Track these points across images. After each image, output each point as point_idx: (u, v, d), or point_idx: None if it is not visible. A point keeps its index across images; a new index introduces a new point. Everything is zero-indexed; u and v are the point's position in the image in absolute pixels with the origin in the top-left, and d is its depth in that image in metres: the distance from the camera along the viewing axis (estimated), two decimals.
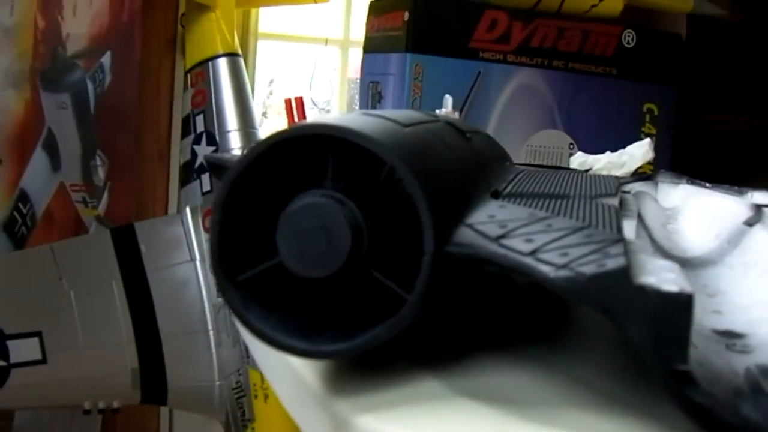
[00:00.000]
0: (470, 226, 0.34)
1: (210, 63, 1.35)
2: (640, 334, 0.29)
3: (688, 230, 0.61)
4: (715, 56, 1.42)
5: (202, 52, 1.36)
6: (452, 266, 0.34)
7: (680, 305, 0.28)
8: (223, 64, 1.35)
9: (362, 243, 0.34)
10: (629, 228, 0.43)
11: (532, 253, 0.32)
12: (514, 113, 1.26)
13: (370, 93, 1.27)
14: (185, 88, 1.40)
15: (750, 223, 0.56)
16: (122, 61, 1.43)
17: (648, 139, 0.87)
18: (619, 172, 0.82)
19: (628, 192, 0.59)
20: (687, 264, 0.53)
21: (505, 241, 0.33)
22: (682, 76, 1.36)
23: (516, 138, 1.26)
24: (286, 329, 0.35)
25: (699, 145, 1.39)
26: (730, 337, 0.39)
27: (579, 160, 0.85)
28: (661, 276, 0.30)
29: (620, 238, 0.32)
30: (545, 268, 0.31)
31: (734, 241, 0.55)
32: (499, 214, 0.36)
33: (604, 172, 0.82)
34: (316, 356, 0.34)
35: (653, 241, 0.53)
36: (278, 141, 0.35)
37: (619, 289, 0.29)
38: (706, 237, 0.57)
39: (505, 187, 0.45)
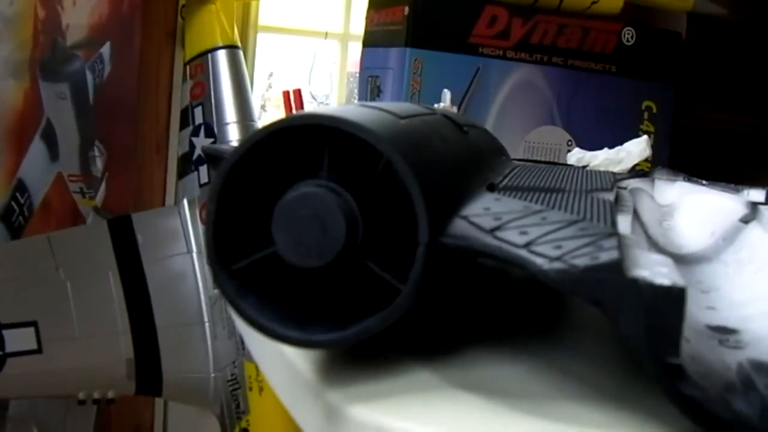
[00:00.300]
0: (465, 218, 0.34)
1: (209, 55, 1.35)
2: (632, 326, 0.29)
3: (683, 227, 0.61)
4: (714, 55, 1.42)
5: (201, 44, 1.36)
6: (447, 258, 0.34)
7: (672, 298, 0.29)
8: (222, 56, 1.35)
9: (357, 233, 0.34)
10: (624, 223, 0.43)
11: (527, 245, 0.32)
12: (513, 109, 1.26)
13: (369, 87, 1.27)
14: (184, 79, 1.39)
15: (745, 220, 0.56)
16: (122, 52, 1.44)
17: (645, 137, 0.87)
18: (616, 169, 0.83)
19: (624, 188, 0.59)
20: (682, 260, 0.54)
21: (499, 233, 0.33)
22: (682, 75, 1.36)
23: (514, 134, 1.26)
24: (281, 319, 0.35)
25: (697, 143, 1.39)
26: (724, 333, 0.39)
27: (576, 156, 0.85)
28: (654, 270, 0.30)
29: (614, 232, 0.32)
30: (539, 261, 0.31)
31: (729, 238, 0.55)
32: (494, 206, 0.36)
33: (602, 169, 0.82)
34: (309, 346, 0.34)
35: (648, 237, 0.53)
36: (274, 131, 0.35)
37: (611, 282, 0.29)
38: (702, 234, 0.58)
39: (501, 181, 0.45)
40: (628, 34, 1.32)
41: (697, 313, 0.41)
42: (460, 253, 0.34)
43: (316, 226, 0.34)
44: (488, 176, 0.44)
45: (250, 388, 1.32)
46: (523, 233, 0.33)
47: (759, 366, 0.31)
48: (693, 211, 0.64)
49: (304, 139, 0.35)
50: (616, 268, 0.29)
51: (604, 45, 1.31)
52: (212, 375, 1.30)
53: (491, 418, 0.32)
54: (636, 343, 0.29)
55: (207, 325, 1.31)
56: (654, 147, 1.33)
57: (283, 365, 0.39)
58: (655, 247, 0.52)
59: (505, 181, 0.45)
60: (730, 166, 1.35)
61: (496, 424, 0.31)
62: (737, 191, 0.64)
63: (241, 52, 1.39)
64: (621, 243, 0.32)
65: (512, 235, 0.33)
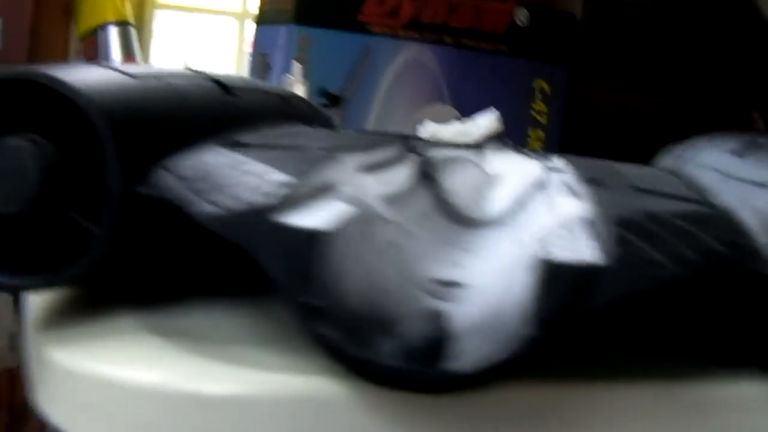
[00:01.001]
0: (166, 168, 0.36)
1: (99, 31, 1.35)
2: (275, 269, 0.30)
3: (496, 194, 0.63)
4: (609, 36, 1.44)
5: (92, 20, 1.36)
6: (153, 207, 0.35)
7: (311, 242, 0.30)
8: (113, 32, 1.35)
9: (56, 183, 0.35)
10: (387, 180, 0.43)
11: (201, 191, 0.33)
12: (403, 88, 1.27)
13: (260, 65, 1.27)
14: (77, 56, 1.39)
15: (539, 186, 0.58)
16: (13, 28, 1.43)
17: (496, 111, 0.88)
18: (464, 141, 0.84)
19: (430, 155, 0.60)
20: (475, 224, 0.55)
21: (189, 183, 0.34)
22: (575, 55, 1.37)
23: (404, 112, 1.27)
24: None
25: (590, 122, 1.42)
26: (447, 286, 0.40)
27: (429, 129, 0.86)
28: (313, 215, 0.31)
29: (287, 182, 0.33)
30: (203, 206, 0.32)
31: (521, 202, 0.57)
32: (207, 159, 0.37)
33: (451, 141, 0.83)
34: (11, 289, 0.36)
35: (441, 200, 0.54)
36: None
37: (257, 226, 0.30)
38: (505, 199, 0.59)
39: (249, 140, 0.45)
40: (521, 14, 1.33)
41: (434, 268, 0.42)
42: (163, 201, 0.35)
43: (13, 175, 0.35)
44: (239, 136, 0.45)
45: None
46: (207, 182, 0.34)
47: (430, 314, 0.33)
48: (508, 179, 0.65)
49: (22, 94, 0.37)
50: (263, 213, 0.30)
51: (496, 25, 1.32)
52: None
53: (175, 361, 0.33)
54: (277, 284, 0.30)
55: None
56: (546, 126, 1.34)
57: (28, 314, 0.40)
58: (445, 209, 0.53)
59: (253, 139, 0.45)
60: (622, 143, 1.37)
61: (180, 367, 0.33)
62: (546, 158, 0.66)
63: (132, 29, 1.38)
64: (293, 193, 0.33)
65: (197, 183, 0.34)
